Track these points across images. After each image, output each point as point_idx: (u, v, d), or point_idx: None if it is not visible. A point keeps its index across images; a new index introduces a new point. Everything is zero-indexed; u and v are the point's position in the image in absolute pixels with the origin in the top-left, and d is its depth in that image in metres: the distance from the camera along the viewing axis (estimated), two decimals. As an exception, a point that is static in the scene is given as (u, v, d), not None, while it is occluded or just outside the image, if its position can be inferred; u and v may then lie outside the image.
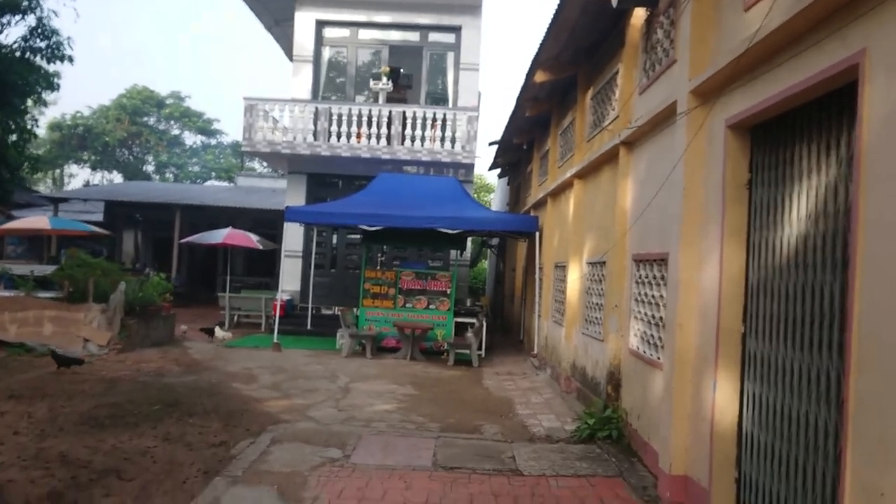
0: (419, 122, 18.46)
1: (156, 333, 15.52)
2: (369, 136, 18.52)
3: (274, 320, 16.19)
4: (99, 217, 28.83)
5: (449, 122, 18.51)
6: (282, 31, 22.37)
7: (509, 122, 16.23)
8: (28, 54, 27.23)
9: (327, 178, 20.41)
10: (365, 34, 20.55)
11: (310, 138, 18.62)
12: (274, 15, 21.50)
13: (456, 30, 20.05)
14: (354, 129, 18.56)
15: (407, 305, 16.04)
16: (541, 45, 10.66)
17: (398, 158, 18.60)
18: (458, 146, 18.43)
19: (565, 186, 12.76)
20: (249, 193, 30.52)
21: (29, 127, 29.31)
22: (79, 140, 49.07)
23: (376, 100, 19.68)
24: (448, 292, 16.03)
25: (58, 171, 53.58)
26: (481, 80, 20.08)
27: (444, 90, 20.85)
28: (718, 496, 5.47)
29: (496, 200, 33.59)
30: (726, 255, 5.54)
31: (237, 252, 28.29)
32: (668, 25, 7.38)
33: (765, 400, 5.12)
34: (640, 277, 7.93)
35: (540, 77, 11.65)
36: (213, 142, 55.73)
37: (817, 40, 4.28)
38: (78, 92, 79.04)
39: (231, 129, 63.27)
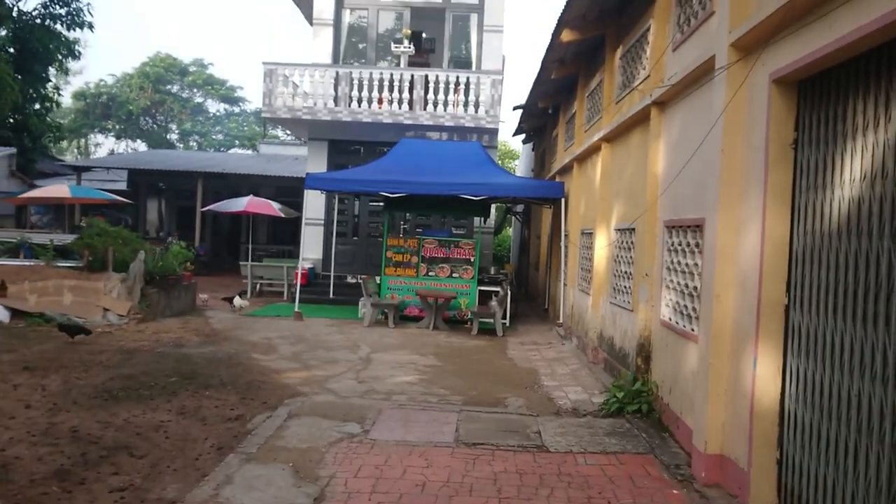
0: (442, 86, 17.99)
1: (176, 303, 15.36)
2: (391, 101, 18.10)
3: (296, 288, 15.97)
4: (122, 186, 28.76)
5: (472, 86, 18.03)
6: (301, -5, 21.91)
7: (534, 86, 15.74)
8: (48, 21, 27.21)
9: (349, 145, 20.06)
10: (386, -4, 20.05)
11: (330, 104, 18.23)
12: (294, -23, 21.06)
13: (479, -9, 19.49)
14: (376, 94, 18.14)
15: (430, 274, 15.75)
16: (567, 2, 10.19)
17: (420, 124, 18.18)
18: (481, 111, 17.96)
19: (592, 151, 12.32)
20: (272, 161, 30.27)
21: (51, 95, 29.37)
22: (103, 109, 49.12)
23: (398, 64, 19.22)
24: (472, 260, 15.70)
25: (83, 140, 53.67)
26: (505, 44, 19.50)
27: (468, 54, 20.35)
28: (758, 478, 5.13)
29: (521, 167, 33.10)
30: (769, 221, 5.14)
31: (260, 220, 28.14)
32: (705, -25, 6.91)
33: (810, 377, 4.75)
34: (672, 245, 7.53)
35: (566, 37, 11.18)
36: (237, 109, 55.63)
37: (878, -19, 3.85)
38: (102, 60, 79.08)
39: (254, 97, 62.82)
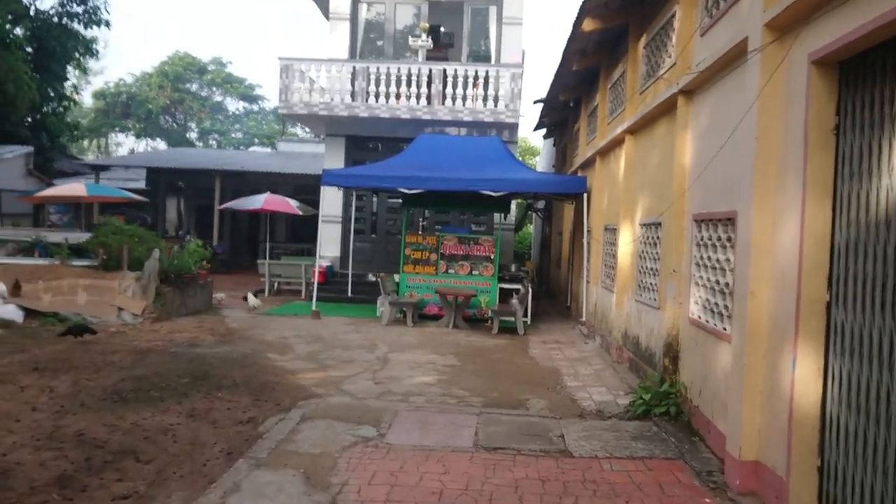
0: (460, 80, 17.69)
1: (192, 301, 15.18)
2: (409, 96, 17.82)
3: (315, 287, 15.73)
4: (141, 185, 28.67)
5: (492, 80, 17.71)
6: (318, -10, 21.69)
7: (555, 79, 15.39)
8: (65, 19, 27.20)
9: (366, 141, 19.81)
10: (403, -11, 19.76)
11: (347, 99, 17.98)
12: (310, -28, 20.82)
13: (498, -18, 19.15)
14: (393, 88, 17.86)
15: (449, 271, 15.46)
16: (589, -11, 9.86)
17: (439, 119, 17.88)
18: (501, 105, 17.63)
19: (615, 144, 11.97)
20: (290, 159, 30.09)
21: (69, 94, 29.38)
22: (122, 108, 49.25)
23: (416, 57, 18.93)
24: (492, 257, 15.40)
25: (103, 139, 53.88)
26: (525, 38, 19.19)
27: (487, 47, 20.02)
28: (798, 487, 4.79)
29: (542, 162, 32.72)
30: (808, 212, 4.79)
31: (279, 218, 27.95)
32: (735, -46, 6.55)
33: (855, 379, 4.41)
34: (701, 239, 7.18)
35: (588, 25, 10.84)
36: (256, 107, 55.62)
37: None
38: (122, 60, 79.46)
39: (273, 95, 62.90)
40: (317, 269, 16.07)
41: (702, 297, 7.08)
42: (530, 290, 15.05)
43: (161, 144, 51.38)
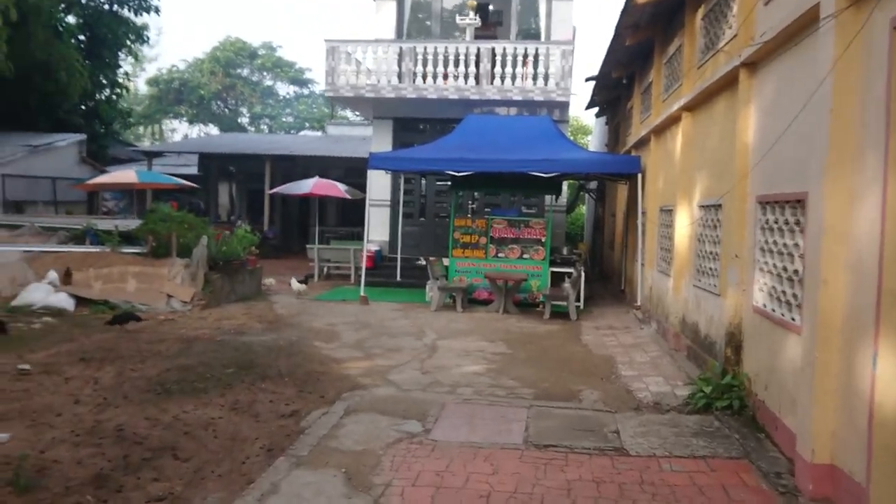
0: (509, 58, 17.22)
1: (241, 288, 15.11)
2: (456, 76, 17.42)
3: (362, 272, 15.53)
4: (194, 170, 28.88)
5: (542, 58, 17.20)
6: (364, -30, 21.39)
7: (607, 55, 14.86)
8: (115, 6, 27.41)
9: (414, 123, 19.51)
10: (450, -34, 19.34)
11: (394, 80, 17.67)
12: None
13: (548, -43, 18.60)
14: (441, 69, 17.48)
15: (499, 255, 15.12)
16: (643, -41, 9.36)
17: (488, 99, 17.46)
18: (551, 83, 17.14)
19: (671, 121, 11.45)
20: (340, 142, 29.98)
21: (121, 81, 29.69)
22: (175, 94, 49.79)
23: (464, 37, 18.52)
24: (543, 241, 15.01)
25: (156, 125, 54.60)
26: (576, 14, 18.62)
27: (536, 24, 19.51)
28: (880, 495, 4.36)
29: (594, 142, 32.02)
30: (891, 192, 4.33)
31: (329, 202, 27.88)
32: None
33: (946, 378, 3.97)
34: (766, 223, 6.71)
35: (642, -3, 10.33)
36: (306, 91, 55.76)
37: None
38: (176, 47, 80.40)
39: (322, 78, 63.13)
40: (364, 253, 15.83)
41: (767, 284, 6.62)
42: (583, 273, 14.62)
43: (213, 130, 51.86)
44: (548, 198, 18.04)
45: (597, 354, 10.43)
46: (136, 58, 36.68)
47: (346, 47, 18.01)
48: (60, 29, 24.40)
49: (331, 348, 10.36)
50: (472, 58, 17.43)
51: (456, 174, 15.01)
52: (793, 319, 5.89)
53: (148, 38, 29.52)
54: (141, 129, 54.50)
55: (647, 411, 7.34)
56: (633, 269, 14.78)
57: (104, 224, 16.02)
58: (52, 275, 13.06)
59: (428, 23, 20.06)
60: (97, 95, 27.66)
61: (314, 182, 19.47)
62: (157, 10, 28.10)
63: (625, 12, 11.51)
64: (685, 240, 10.24)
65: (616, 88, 18.66)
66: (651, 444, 6.17)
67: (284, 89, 56.11)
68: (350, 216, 28.83)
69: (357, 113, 29.63)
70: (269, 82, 54.70)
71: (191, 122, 53.13)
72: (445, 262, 15.39)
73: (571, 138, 22.95)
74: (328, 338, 11.13)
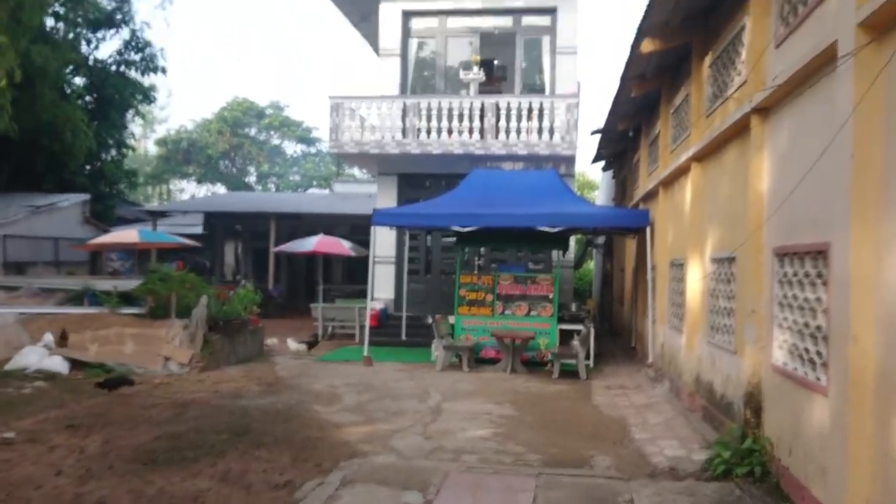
0: (514, 112, 17.07)
1: (242, 349, 14.71)
2: (461, 131, 17.26)
3: (365, 331, 15.13)
4: (199, 230, 28.75)
5: (546, 112, 17.03)
6: (369, 28, 21.45)
7: (612, 107, 14.67)
8: (123, 67, 27.64)
9: (419, 179, 19.30)
10: (454, 22, 19.32)
11: (398, 136, 17.52)
12: (360, 9, 20.59)
13: (551, 11, 18.55)
14: (445, 123, 17.33)
15: (506, 312, 14.72)
16: (647, 8, 9.16)
17: (493, 153, 17.26)
18: (556, 137, 16.93)
19: (680, 172, 11.16)
20: (346, 200, 29.85)
21: (127, 141, 29.80)
22: (184, 154, 50.04)
23: (468, 92, 18.42)
24: (550, 297, 14.62)
25: (165, 185, 54.85)
26: (580, 70, 18.58)
27: (541, 78, 19.41)
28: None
29: (601, 196, 31.83)
30: (924, 242, 3.97)
31: (335, 259, 27.65)
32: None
33: None
34: (784, 276, 6.33)
35: (647, 47, 10.12)
36: (313, 150, 56.04)
37: None
38: (185, 109, 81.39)
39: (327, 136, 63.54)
40: (368, 312, 15.45)
41: (787, 341, 6.22)
42: (592, 330, 14.20)
43: (221, 189, 52.02)
44: (555, 253, 17.69)
45: (608, 416, 9.97)
46: (143, 118, 36.92)
47: (350, 104, 17.92)
48: (67, 90, 24.55)
49: (331, 412, 9.93)
50: (477, 112, 17.29)
51: (461, 230, 14.72)
52: (817, 379, 5.47)
53: (155, 98, 29.70)
54: (150, 189, 54.77)
55: (663, 478, 6.88)
56: (644, 325, 14.34)
57: (103, 284, 15.73)
58: (48, 337, 12.76)
59: (431, 78, 20.02)
60: (103, 156, 27.71)
61: (318, 240, 19.23)
62: (164, 71, 28.30)
63: (630, 63, 11.32)
64: (697, 295, 9.85)
65: (622, 141, 18.48)
66: (668, 517, 5.71)
67: (292, 148, 56.48)
68: (356, 274, 28.52)
69: (364, 170, 29.62)
70: (276, 141, 55.05)
71: (199, 181, 53.33)
72: (451, 319, 15.00)
73: (578, 193, 22.74)
74: (328, 401, 10.70)
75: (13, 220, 22.25)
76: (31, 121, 21.68)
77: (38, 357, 12.24)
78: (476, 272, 16.58)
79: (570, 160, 17.93)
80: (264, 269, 26.45)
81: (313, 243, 19.14)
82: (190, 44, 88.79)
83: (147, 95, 28.98)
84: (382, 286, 18.54)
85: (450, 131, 17.34)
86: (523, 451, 7.91)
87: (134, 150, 32.58)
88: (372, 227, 14.83)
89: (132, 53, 27.52)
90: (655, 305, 13.21)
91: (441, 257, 19.13)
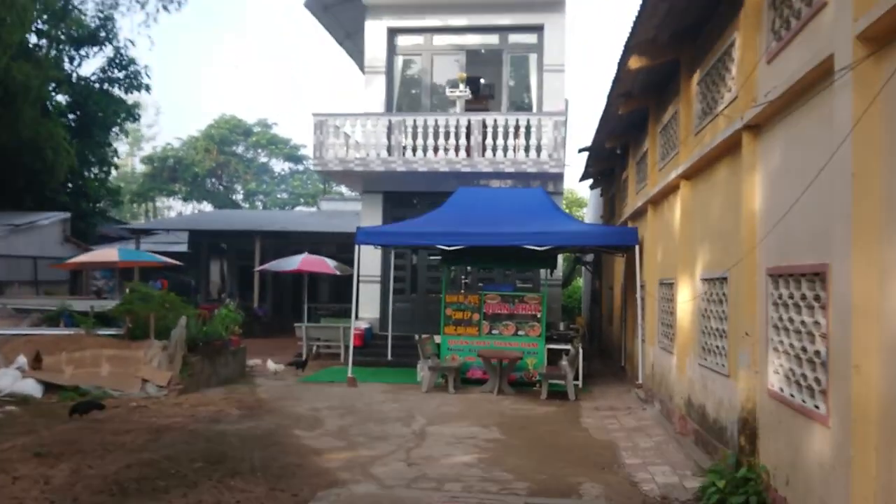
0: (501, 130, 16.86)
1: (223, 370, 14.39)
2: (447, 149, 17.03)
3: (350, 351, 14.82)
4: (184, 248, 28.40)
5: (534, 129, 16.85)
6: (354, 45, 21.31)
7: (600, 124, 14.50)
8: (106, 85, 27.37)
9: (404, 197, 19.06)
10: (440, 40, 19.17)
11: (384, 154, 17.28)
12: (345, 27, 20.45)
13: (538, 29, 18.43)
14: (431, 141, 17.11)
15: (493, 332, 14.47)
16: (634, 24, 8.97)
17: (479, 171, 17.04)
18: (544, 154, 16.74)
19: (669, 191, 10.96)
20: (332, 217, 29.59)
21: (110, 159, 29.47)
22: (170, 172, 49.72)
23: (454, 109, 18.22)
24: (538, 316, 14.38)
25: (151, 204, 54.46)
26: (567, 88, 18.43)
27: (528, 96, 19.27)
28: None
29: (589, 214, 31.68)
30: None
31: (322, 278, 27.30)
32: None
33: None
34: (780, 297, 6.10)
35: (634, 63, 9.94)
36: (301, 168, 55.82)
37: None
38: (173, 126, 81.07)
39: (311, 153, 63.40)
40: (351, 332, 15.15)
41: (783, 366, 5.98)
42: (581, 350, 13.95)
43: (207, 207, 51.67)
44: (543, 272, 17.46)
45: (597, 440, 9.71)
46: (126, 135, 36.59)
47: (334, 121, 17.69)
48: (49, 107, 24.24)
49: (311, 437, 9.61)
50: (463, 130, 17.08)
51: (447, 248, 14.49)
52: (816, 407, 5.22)
53: (139, 115, 29.41)
54: (136, 207, 54.34)
55: (655, 509, 6.61)
56: (634, 344, 14.11)
57: (80, 305, 15.38)
58: (21, 360, 12.41)
59: (417, 95, 19.84)
60: (86, 173, 27.36)
61: (302, 258, 18.98)
62: (147, 88, 28.07)
63: (617, 80, 11.14)
64: (688, 315, 9.62)
65: (610, 159, 18.32)
66: (661, 552, 5.44)
67: (279, 166, 56.30)
68: (343, 293, 28.11)
69: (352, 190, 29.43)
70: (263, 159, 54.83)
71: (185, 199, 52.98)
72: (437, 339, 14.73)
73: (567, 211, 22.55)
74: (310, 425, 10.38)
75: (-8, 238, 21.87)
76: (12, 138, 21.37)
77: (11, 380, 11.89)
78: (462, 291, 16.34)
79: (558, 178, 17.76)
80: (250, 287, 26.12)
81: (297, 262, 18.88)
82: (182, 57, 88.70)
83: (131, 113, 28.70)
84: (368, 305, 18.27)
85: (436, 149, 17.12)
86: (510, 479, 7.62)
87: (117, 167, 32.21)
88: (356, 246, 14.57)
89: (116, 71, 27.30)
90: (645, 325, 12.98)
91: (427, 276, 18.86)
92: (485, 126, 16.97)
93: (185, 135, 52.98)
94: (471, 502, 6.74)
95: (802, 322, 5.57)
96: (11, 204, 24.94)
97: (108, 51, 27.18)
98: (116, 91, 27.51)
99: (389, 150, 17.35)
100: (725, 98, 7.99)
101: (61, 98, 26.64)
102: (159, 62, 72.88)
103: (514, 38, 18.92)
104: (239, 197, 54.03)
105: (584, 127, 71.91)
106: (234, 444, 8.97)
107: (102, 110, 26.94)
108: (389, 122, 17.51)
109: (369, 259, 17.55)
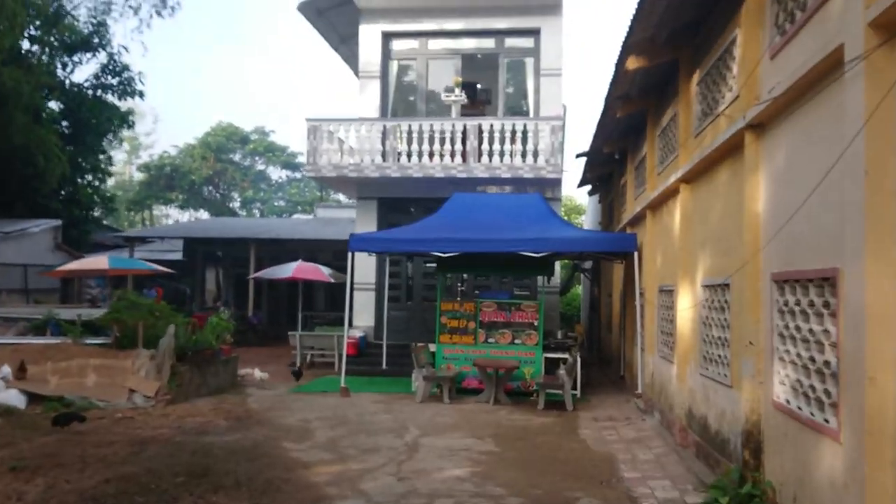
0: (497, 135, 16.57)
1: (213, 380, 14.06)
2: (443, 155, 16.75)
3: (344, 360, 14.50)
4: (179, 256, 28.13)
5: (531, 134, 16.56)
6: (349, 50, 21.03)
7: (598, 129, 14.24)
8: (99, 91, 27.10)
9: (399, 203, 18.79)
10: (435, 44, 18.91)
11: (378, 159, 17.00)
12: (340, 32, 20.18)
13: (534, 33, 18.16)
14: (426, 147, 16.82)
15: (489, 341, 14.17)
16: (632, 23, 8.70)
17: (475, 177, 16.73)
18: (541, 160, 16.44)
19: (668, 195, 10.67)
20: (328, 224, 29.31)
21: (104, 167, 29.18)
22: (167, 180, 49.42)
23: (450, 114, 17.95)
24: (535, 324, 14.08)
25: (147, 211, 54.19)
26: (565, 93, 18.14)
27: (525, 101, 19.00)
28: None
29: (588, 220, 31.41)
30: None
31: (317, 286, 26.99)
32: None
33: None
34: (785, 304, 5.80)
35: (632, 64, 9.66)
36: (298, 175, 55.57)
37: None
38: (172, 133, 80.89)
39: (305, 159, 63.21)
40: (345, 340, 14.83)
41: (790, 376, 5.68)
42: (579, 358, 13.63)
43: (204, 215, 51.40)
44: (540, 279, 17.16)
45: (596, 452, 9.39)
46: (121, 143, 36.30)
47: (328, 126, 17.40)
48: (42, 114, 23.96)
49: (300, 449, 9.30)
50: (459, 135, 16.81)
51: (442, 255, 14.19)
52: (826, 421, 4.92)
53: (133, 122, 29.10)
54: (133, 215, 54.08)
55: (655, 526, 6.30)
56: (633, 353, 13.81)
57: (68, 313, 15.07)
58: (5, 369, 12.08)
59: (413, 100, 19.58)
60: (78, 180, 27.07)
61: (296, 266, 18.70)
62: (141, 95, 27.80)
63: (615, 82, 10.87)
64: (688, 323, 9.33)
65: (608, 164, 18.07)
66: (662, 575, 5.13)
67: (276, 174, 56.03)
68: (339, 300, 27.72)
69: (348, 197, 29.16)
70: (260, 167, 54.57)
71: (182, 207, 52.70)
72: (432, 348, 14.42)
73: (565, 217, 22.27)
74: (299, 437, 10.07)
75: (-20, 246, 21.57)
76: (3, 144, 21.11)
77: (-6, 391, 11.57)
78: (458, 299, 16.02)
79: (555, 183, 17.47)
80: (246, 295, 25.83)
81: (291, 269, 18.61)
82: (179, 65, 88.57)
83: (125, 120, 28.41)
84: (362, 313, 17.98)
85: (431, 154, 16.84)
86: (503, 494, 7.31)
87: (111, 174, 31.93)
88: (350, 253, 14.27)
89: (109, 77, 27.03)
90: (644, 333, 12.68)
91: (422, 283, 18.58)
92: (481, 131, 16.70)
93: (182, 143, 52.69)
94: (462, 520, 6.43)
95: (810, 330, 5.27)
96: (2, 211, 24.65)
97: (102, 57, 26.93)
98: (110, 98, 27.24)
99: (384, 155, 17.08)
100: (727, 97, 7.71)
101: (54, 104, 26.38)
102: (157, 71, 72.84)
103: (510, 42, 18.66)
104: (236, 205, 53.74)
105: (581, 132, 71.55)
106: (219, 457, 8.65)
107: (96, 117, 26.66)
108: (384, 127, 17.24)
109: (364, 266, 17.24)
